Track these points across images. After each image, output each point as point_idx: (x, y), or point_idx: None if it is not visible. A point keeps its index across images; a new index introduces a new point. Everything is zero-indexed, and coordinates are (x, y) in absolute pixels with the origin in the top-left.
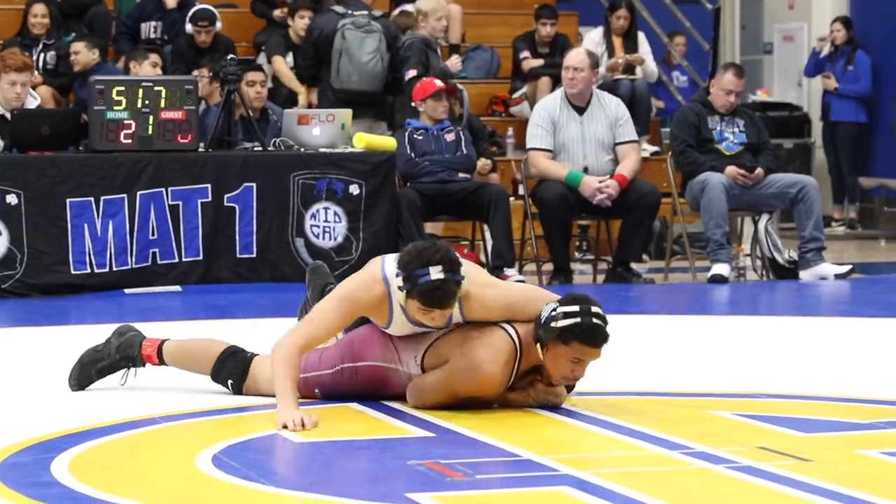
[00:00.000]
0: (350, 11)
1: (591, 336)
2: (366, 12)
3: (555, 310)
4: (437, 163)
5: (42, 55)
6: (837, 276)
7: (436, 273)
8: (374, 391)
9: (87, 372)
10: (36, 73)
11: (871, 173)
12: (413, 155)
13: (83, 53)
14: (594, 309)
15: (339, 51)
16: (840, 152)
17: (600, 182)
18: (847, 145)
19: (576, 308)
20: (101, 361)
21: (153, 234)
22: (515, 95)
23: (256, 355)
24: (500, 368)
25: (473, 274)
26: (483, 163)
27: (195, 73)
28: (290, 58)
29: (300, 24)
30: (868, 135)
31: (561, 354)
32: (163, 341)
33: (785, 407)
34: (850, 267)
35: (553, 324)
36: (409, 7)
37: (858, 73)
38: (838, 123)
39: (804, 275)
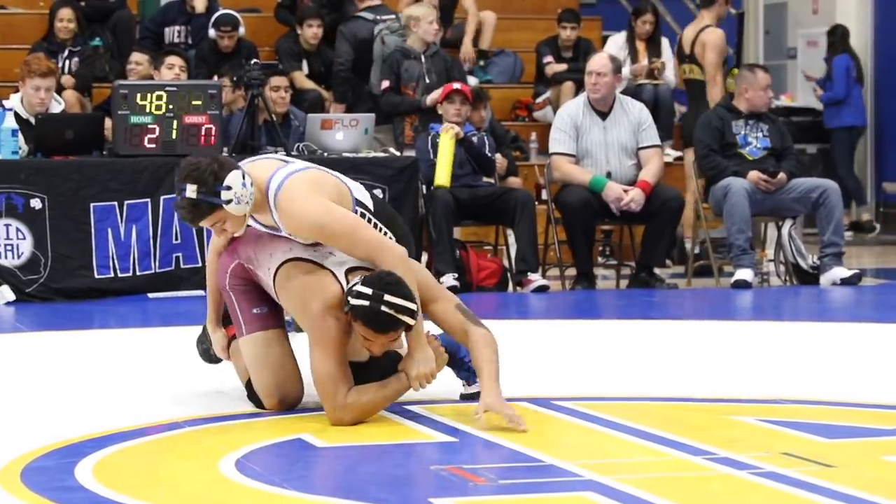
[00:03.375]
0: (379, 17)
1: (372, 321)
2: (393, 16)
3: (356, 284)
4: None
5: (67, 61)
6: (843, 281)
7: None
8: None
9: (209, 357)
10: (65, 76)
11: (893, 177)
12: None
13: (145, 66)
14: (387, 297)
15: (379, 57)
16: (837, 157)
17: (624, 191)
18: (841, 150)
19: (369, 291)
20: (210, 349)
21: (176, 239)
22: (539, 100)
23: None
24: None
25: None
26: (500, 160)
27: (214, 78)
28: (304, 66)
29: (308, 32)
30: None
31: (354, 327)
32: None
33: (809, 412)
34: (855, 271)
35: (348, 297)
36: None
37: (834, 79)
38: (832, 130)
39: (823, 279)
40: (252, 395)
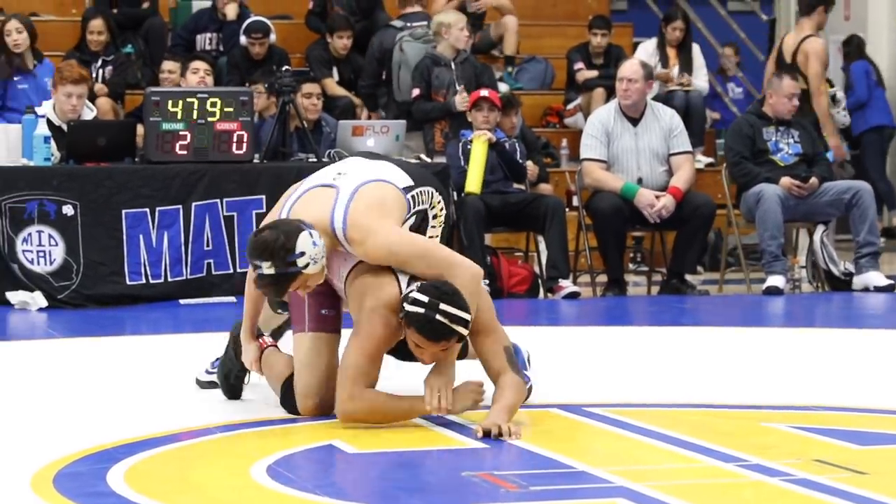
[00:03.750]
0: (409, 24)
1: (426, 329)
2: (425, 23)
3: (412, 290)
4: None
5: (101, 70)
6: (877, 288)
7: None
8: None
9: (229, 386)
10: (98, 85)
11: None
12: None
13: (177, 74)
14: (443, 306)
15: (398, 64)
16: (868, 162)
17: (656, 197)
18: (872, 153)
19: (425, 299)
20: (231, 373)
21: (208, 245)
22: (570, 107)
23: None
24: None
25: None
26: (531, 167)
27: (246, 85)
28: (335, 73)
29: (339, 42)
30: None
31: (407, 335)
32: (268, 346)
33: (841, 419)
34: (891, 282)
35: (404, 303)
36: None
37: (854, 84)
38: (861, 134)
39: (857, 282)
40: (286, 401)
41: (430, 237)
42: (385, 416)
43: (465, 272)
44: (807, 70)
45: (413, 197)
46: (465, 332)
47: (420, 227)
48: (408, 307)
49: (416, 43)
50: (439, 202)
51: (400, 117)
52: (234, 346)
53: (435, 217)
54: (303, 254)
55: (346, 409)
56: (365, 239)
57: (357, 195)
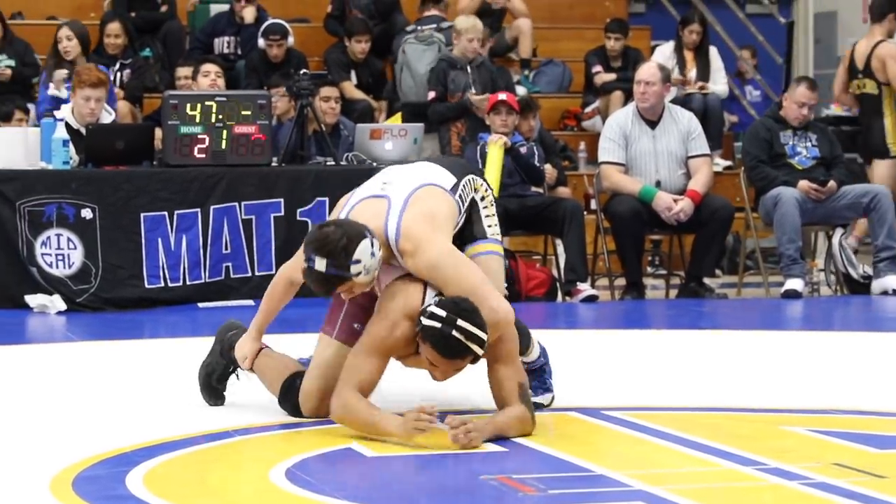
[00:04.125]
0: (419, 28)
1: (441, 344)
2: (434, 25)
3: (431, 304)
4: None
5: (119, 74)
6: (895, 291)
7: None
8: None
9: (210, 387)
10: (117, 89)
11: None
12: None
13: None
14: (460, 322)
15: (401, 66)
16: None
17: (674, 200)
18: None
19: (443, 313)
20: (214, 373)
21: (226, 249)
22: (588, 110)
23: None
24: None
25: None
26: (550, 170)
27: (264, 89)
28: (353, 77)
29: (357, 47)
30: None
31: (422, 349)
32: (261, 349)
33: (860, 423)
34: None
35: (421, 317)
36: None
37: None
38: None
39: (876, 285)
40: (285, 400)
41: (487, 216)
42: (359, 424)
43: (495, 313)
44: (881, 75)
45: (460, 196)
46: (479, 351)
47: (471, 216)
48: (424, 321)
49: (419, 45)
50: (482, 185)
51: (405, 118)
52: (222, 345)
53: (483, 199)
54: (359, 261)
55: (332, 408)
56: (415, 251)
57: (409, 203)
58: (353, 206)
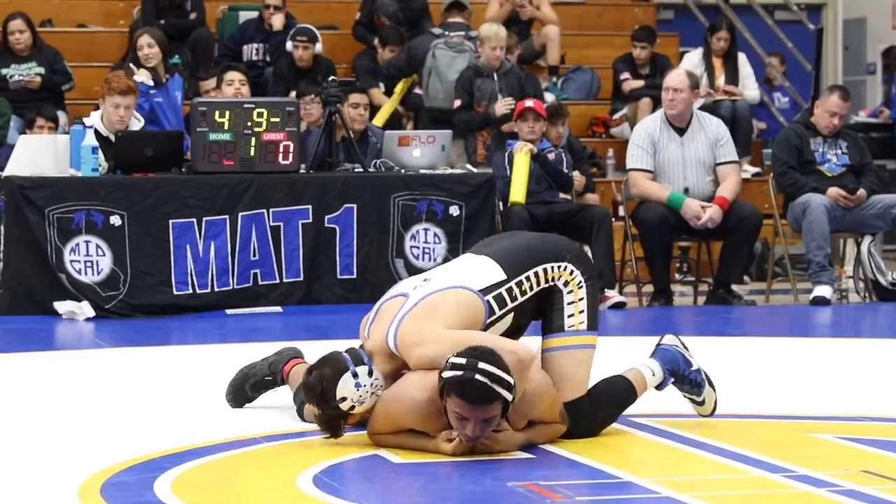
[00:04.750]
0: (447, 33)
1: (465, 390)
2: (462, 33)
3: (448, 360)
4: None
5: None
6: None
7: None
8: None
9: (240, 389)
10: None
11: None
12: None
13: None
14: (482, 365)
15: (429, 69)
16: None
17: (702, 207)
18: None
19: (462, 361)
20: (252, 377)
21: (254, 255)
22: (616, 116)
23: None
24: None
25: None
26: (578, 177)
27: (292, 94)
28: (381, 85)
29: (388, 55)
30: None
31: (448, 407)
32: (299, 363)
33: (889, 430)
34: None
35: (442, 373)
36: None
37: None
38: None
39: None
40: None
41: (571, 303)
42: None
43: (515, 354)
44: None
45: (499, 296)
46: (508, 396)
47: (546, 302)
48: (445, 374)
49: (450, 52)
50: (568, 270)
51: (428, 124)
52: (278, 358)
53: (566, 284)
54: (344, 399)
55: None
56: (411, 353)
57: (416, 307)
58: (382, 304)
